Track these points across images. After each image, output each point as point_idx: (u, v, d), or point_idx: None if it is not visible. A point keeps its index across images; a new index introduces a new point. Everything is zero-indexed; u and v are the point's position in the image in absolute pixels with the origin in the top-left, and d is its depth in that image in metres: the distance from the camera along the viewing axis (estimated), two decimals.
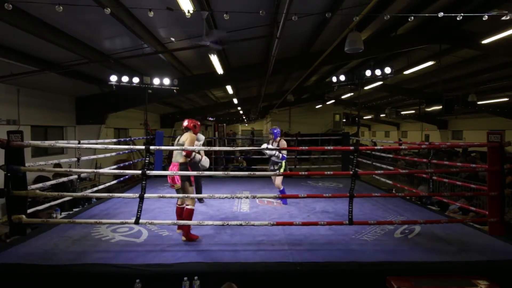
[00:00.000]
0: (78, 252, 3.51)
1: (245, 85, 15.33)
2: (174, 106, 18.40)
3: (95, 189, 6.35)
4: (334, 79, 9.51)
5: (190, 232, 3.94)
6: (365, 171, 5.94)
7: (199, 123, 4.43)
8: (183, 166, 4.07)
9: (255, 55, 9.80)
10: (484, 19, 5.26)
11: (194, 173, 4.10)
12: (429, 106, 11.25)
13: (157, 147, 4.48)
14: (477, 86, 13.92)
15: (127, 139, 9.40)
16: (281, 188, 5.63)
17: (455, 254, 3.50)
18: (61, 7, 4.30)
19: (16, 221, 3.57)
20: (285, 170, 5.62)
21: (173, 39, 7.36)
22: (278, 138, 5.77)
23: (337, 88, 10.17)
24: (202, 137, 5.47)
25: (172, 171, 4.10)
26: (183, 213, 4.04)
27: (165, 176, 6.55)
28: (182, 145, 4.13)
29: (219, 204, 5.69)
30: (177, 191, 4.29)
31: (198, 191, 5.76)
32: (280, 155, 5.55)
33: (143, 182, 3.78)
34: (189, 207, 4.01)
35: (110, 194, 4.23)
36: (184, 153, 4.04)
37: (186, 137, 4.20)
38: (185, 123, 4.31)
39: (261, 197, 4.65)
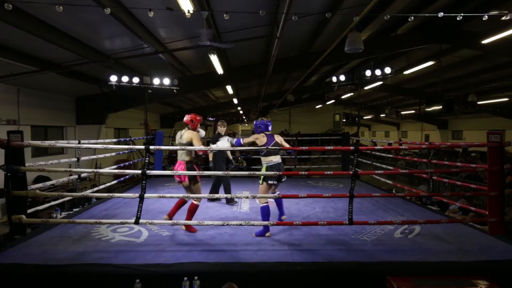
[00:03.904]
0: (78, 252, 3.51)
1: (245, 85, 15.34)
2: (174, 106, 18.39)
3: (95, 189, 6.34)
4: (334, 79, 9.51)
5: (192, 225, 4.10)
6: (365, 171, 5.94)
7: (198, 118, 4.34)
8: (189, 165, 4.14)
9: (255, 55, 9.80)
10: (484, 19, 5.25)
11: (195, 173, 4.10)
12: (429, 106, 11.24)
13: (157, 147, 4.47)
14: (477, 86, 13.91)
15: (127, 139, 9.40)
16: (262, 205, 4.17)
17: (455, 254, 3.50)
18: (61, 7, 4.30)
19: (16, 221, 3.57)
20: (263, 180, 4.16)
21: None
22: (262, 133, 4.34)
23: (337, 88, 10.17)
24: (202, 133, 4.59)
25: (174, 171, 4.13)
26: (189, 206, 4.16)
27: (165, 176, 6.57)
28: (185, 143, 4.16)
29: (219, 204, 5.69)
30: (185, 188, 4.33)
31: (227, 191, 5.65)
32: (235, 139, 4.28)
33: (143, 182, 3.78)
34: (195, 202, 4.17)
35: (110, 194, 4.22)
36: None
37: (188, 136, 4.20)
38: (184, 118, 4.33)
39: (261, 197, 4.64)
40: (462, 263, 3.30)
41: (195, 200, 4.18)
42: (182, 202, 4.34)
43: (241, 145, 4.28)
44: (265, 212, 4.16)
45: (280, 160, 4.32)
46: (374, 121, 32.08)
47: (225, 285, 2.56)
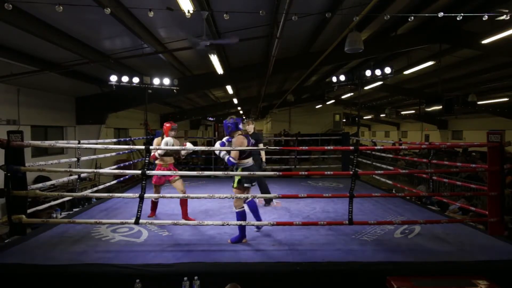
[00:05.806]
0: (78, 252, 3.51)
1: (245, 85, 15.34)
2: (174, 106, 18.39)
3: (95, 189, 6.34)
4: (334, 79, 9.50)
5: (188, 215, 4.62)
6: (365, 171, 5.94)
7: (167, 125, 4.68)
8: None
9: (255, 55, 9.80)
10: (484, 19, 5.26)
11: (194, 173, 4.10)
12: (429, 106, 11.24)
13: (157, 147, 4.47)
14: (477, 86, 13.92)
15: (127, 139, 9.40)
16: (238, 210, 3.87)
17: (455, 254, 3.50)
18: (61, 7, 4.30)
19: (16, 221, 3.57)
20: (238, 183, 3.88)
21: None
22: (237, 133, 3.96)
23: (337, 88, 10.16)
24: (169, 141, 4.54)
25: (171, 171, 4.15)
26: (180, 201, 4.64)
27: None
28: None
29: (219, 204, 5.69)
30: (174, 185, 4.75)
31: (265, 191, 5.45)
32: (226, 157, 3.80)
33: (143, 182, 3.78)
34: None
35: (110, 194, 4.22)
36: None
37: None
38: None
39: (261, 197, 4.65)
40: (462, 263, 3.30)
41: (182, 193, 4.64)
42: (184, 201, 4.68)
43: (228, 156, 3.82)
44: (242, 218, 3.85)
45: (253, 162, 4.09)
46: (374, 121, 32.09)
47: (229, 285, 2.55)
